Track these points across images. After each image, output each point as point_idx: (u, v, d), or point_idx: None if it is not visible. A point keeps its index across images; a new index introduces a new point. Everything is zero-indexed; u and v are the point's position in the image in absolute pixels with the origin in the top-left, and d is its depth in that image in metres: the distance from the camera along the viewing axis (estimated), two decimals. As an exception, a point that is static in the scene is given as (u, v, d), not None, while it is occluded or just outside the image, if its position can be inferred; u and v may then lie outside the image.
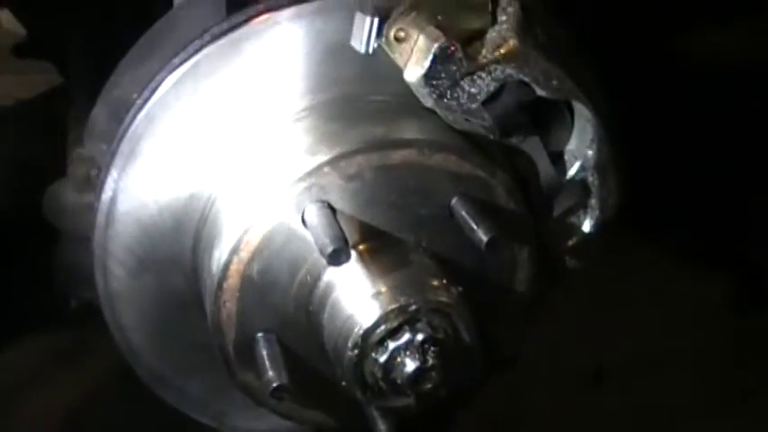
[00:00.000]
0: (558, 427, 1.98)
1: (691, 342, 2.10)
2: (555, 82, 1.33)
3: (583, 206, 1.45)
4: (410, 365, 1.23)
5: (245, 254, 1.26)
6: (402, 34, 1.27)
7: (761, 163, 2.13)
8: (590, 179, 1.43)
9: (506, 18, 1.29)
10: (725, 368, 2.05)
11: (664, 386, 2.04)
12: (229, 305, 1.29)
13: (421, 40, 1.26)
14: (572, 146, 1.43)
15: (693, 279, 2.22)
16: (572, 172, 1.43)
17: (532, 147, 1.40)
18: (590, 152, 1.41)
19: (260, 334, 1.30)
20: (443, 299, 1.25)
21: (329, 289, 1.28)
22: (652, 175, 1.91)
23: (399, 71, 1.29)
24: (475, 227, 1.26)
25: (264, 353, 1.29)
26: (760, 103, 2.17)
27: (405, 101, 1.33)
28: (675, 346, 2.10)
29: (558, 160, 1.43)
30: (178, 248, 1.37)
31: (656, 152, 2.07)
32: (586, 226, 1.45)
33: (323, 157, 1.26)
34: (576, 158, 1.43)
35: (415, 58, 1.27)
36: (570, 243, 1.45)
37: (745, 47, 2.17)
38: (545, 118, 1.40)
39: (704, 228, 2.21)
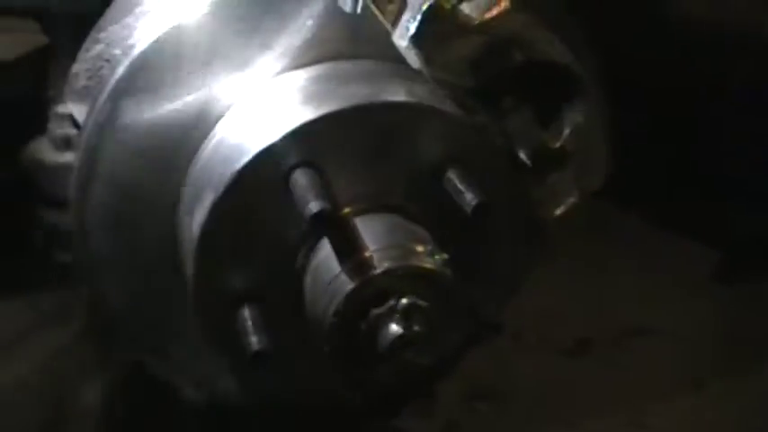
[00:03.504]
0: (543, 398, 1.97)
1: (677, 313, 2.10)
2: (547, 47, 1.31)
3: (571, 174, 1.43)
4: (393, 333, 1.21)
5: (226, 215, 1.24)
6: (391, -7, 1.24)
7: (750, 132, 2.11)
8: (580, 147, 1.41)
9: (498, -22, 1.27)
10: (711, 339, 2.05)
11: (649, 357, 2.03)
12: (209, 267, 1.26)
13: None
14: (562, 111, 1.41)
15: (681, 250, 2.21)
16: (562, 139, 1.41)
17: (522, 112, 1.37)
18: (580, 119, 1.39)
19: (240, 298, 1.28)
20: (429, 266, 1.23)
21: (312, 252, 1.26)
22: (639, 143, 1.90)
23: (387, 32, 1.26)
24: (463, 191, 1.24)
25: (244, 317, 1.27)
26: (747, 70, 2.15)
27: (393, 62, 1.30)
28: (662, 317, 2.09)
29: (548, 125, 1.40)
30: (158, 209, 1.34)
31: (643, 120, 2.05)
32: (575, 193, 1.43)
33: (309, 116, 1.24)
34: (567, 125, 1.40)
35: (404, 18, 1.24)
36: (558, 210, 1.43)
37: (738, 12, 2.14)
38: (535, 82, 1.38)
39: (691, 198, 2.20)
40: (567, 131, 1.40)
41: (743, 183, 2.15)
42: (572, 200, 1.43)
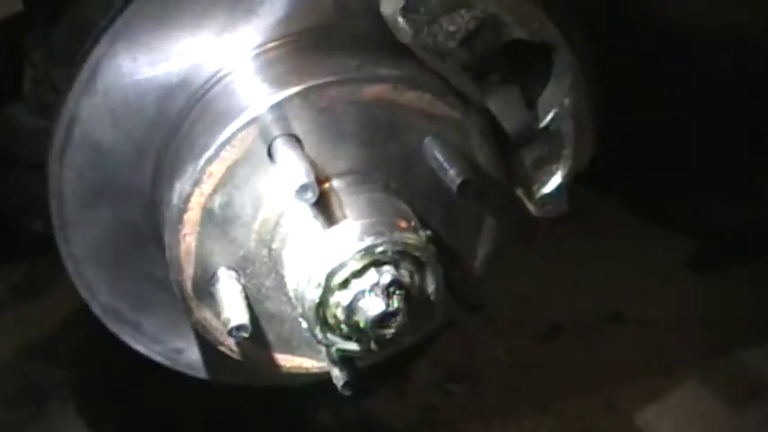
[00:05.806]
0: (516, 381, 1.97)
1: (651, 300, 2.11)
2: (536, 25, 1.30)
3: (556, 155, 1.42)
4: (374, 308, 1.19)
5: (207, 186, 1.22)
6: (380, -35, 1.23)
7: (728, 122, 2.13)
8: (565, 128, 1.40)
9: (490, -46, 1.25)
10: (683, 326, 2.06)
11: (622, 343, 2.04)
12: (189, 239, 1.24)
13: (400, -29, 1.22)
14: (549, 92, 1.40)
15: (655, 239, 2.23)
16: (547, 119, 1.40)
17: (508, 91, 1.37)
18: (567, 100, 1.38)
19: (220, 270, 1.27)
20: (411, 241, 1.22)
21: (293, 226, 1.24)
22: (619, 129, 1.90)
23: (376, 4, 1.24)
24: (447, 168, 1.23)
25: (224, 290, 1.25)
26: (729, 63, 2.16)
27: (380, 36, 1.28)
28: (635, 304, 2.10)
29: (534, 106, 1.40)
30: (137, 178, 1.32)
31: (623, 108, 2.05)
32: (558, 175, 1.43)
33: (293, 88, 1.22)
34: (553, 106, 1.39)
35: (393, -10, 1.23)
36: (541, 191, 1.43)
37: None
38: (523, 62, 1.37)
39: (668, 186, 2.21)
40: (552, 111, 1.40)
41: (719, 175, 2.17)
42: (555, 180, 1.43)
